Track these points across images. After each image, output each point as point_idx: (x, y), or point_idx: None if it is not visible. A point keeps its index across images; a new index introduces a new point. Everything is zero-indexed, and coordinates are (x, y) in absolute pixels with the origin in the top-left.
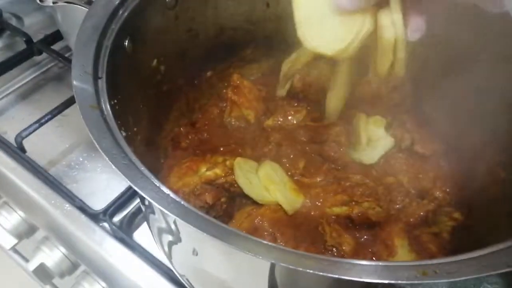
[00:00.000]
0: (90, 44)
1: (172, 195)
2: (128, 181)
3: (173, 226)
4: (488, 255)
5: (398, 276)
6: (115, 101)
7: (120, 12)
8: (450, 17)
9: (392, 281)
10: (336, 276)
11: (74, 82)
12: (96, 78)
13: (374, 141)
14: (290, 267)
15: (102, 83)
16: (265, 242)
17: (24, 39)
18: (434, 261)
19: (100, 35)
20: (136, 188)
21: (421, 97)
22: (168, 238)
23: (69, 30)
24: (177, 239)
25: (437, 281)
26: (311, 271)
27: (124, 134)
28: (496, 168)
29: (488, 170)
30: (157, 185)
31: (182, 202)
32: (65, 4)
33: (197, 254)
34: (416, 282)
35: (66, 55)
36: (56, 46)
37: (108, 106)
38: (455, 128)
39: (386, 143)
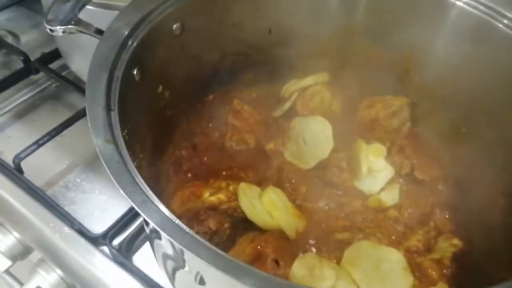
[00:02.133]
0: (101, 76)
1: (180, 224)
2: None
3: (179, 255)
4: None
5: None
6: (126, 131)
7: (130, 42)
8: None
9: None
10: None
11: (90, 118)
12: (109, 111)
13: (375, 171)
14: None
15: (114, 115)
16: (276, 278)
17: (22, 58)
18: None
19: (111, 66)
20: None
21: (419, 122)
22: (172, 264)
23: (68, 48)
24: (182, 266)
25: None
26: None
27: (135, 164)
28: (494, 195)
29: (486, 197)
30: (167, 214)
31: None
32: (74, 33)
33: (201, 283)
34: None
35: (64, 73)
36: (54, 65)
37: (121, 139)
38: (453, 154)
39: (387, 174)
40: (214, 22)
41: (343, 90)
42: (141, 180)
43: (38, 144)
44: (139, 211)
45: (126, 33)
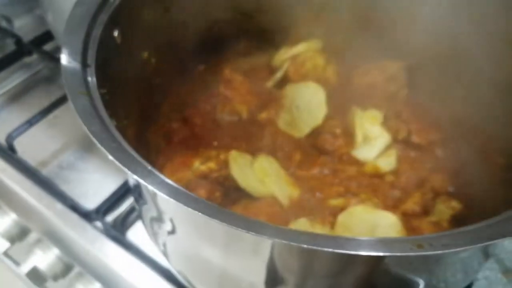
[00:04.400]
0: (78, 33)
1: (164, 178)
2: (118, 163)
3: (167, 214)
4: (483, 227)
5: (393, 249)
6: (105, 90)
7: (107, 4)
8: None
9: (387, 254)
10: (331, 250)
11: (63, 71)
12: (85, 66)
13: (371, 139)
14: (291, 243)
15: (91, 72)
16: (263, 222)
17: (14, 40)
18: (430, 235)
19: (89, 24)
20: (125, 170)
21: (417, 86)
22: (162, 229)
23: (60, 30)
24: (172, 229)
25: (432, 253)
26: (305, 246)
27: (115, 123)
28: (493, 154)
29: (485, 157)
30: (149, 168)
31: (175, 185)
32: None
33: (193, 244)
34: (411, 254)
35: (57, 55)
36: (47, 47)
37: (97, 94)
38: (451, 116)
39: (383, 141)
40: None
41: (338, 57)
42: (115, 130)
43: (30, 123)
44: (112, 158)
45: None
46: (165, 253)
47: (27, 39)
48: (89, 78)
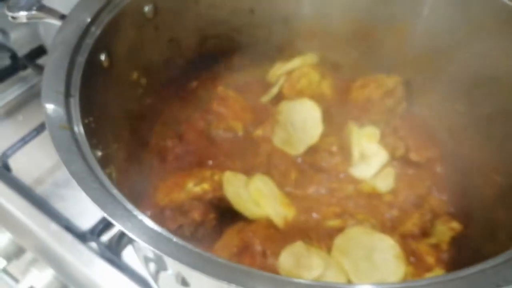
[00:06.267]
0: (62, 61)
1: (146, 220)
2: (97, 206)
3: (159, 258)
4: (476, 274)
5: None
6: (91, 118)
7: (95, 26)
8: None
9: None
10: None
11: (44, 103)
12: (68, 96)
13: (368, 157)
14: None
15: (74, 102)
16: (257, 272)
17: (9, 54)
18: (419, 283)
19: (73, 50)
20: (105, 215)
21: (414, 101)
22: (154, 267)
23: None
24: (164, 268)
25: None
26: None
27: (100, 153)
28: (492, 173)
29: (484, 176)
30: (130, 209)
31: (157, 228)
32: (38, 20)
33: (185, 284)
34: None
35: None
36: (42, 61)
37: (81, 126)
38: (450, 133)
39: (380, 159)
40: (190, 2)
41: (333, 71)
42: (97, 166)
43: (25, 140)
44: (91, 200)
45: (90, 16)
46: (156, 283)
47: (22, 53)
48: (73, 109)
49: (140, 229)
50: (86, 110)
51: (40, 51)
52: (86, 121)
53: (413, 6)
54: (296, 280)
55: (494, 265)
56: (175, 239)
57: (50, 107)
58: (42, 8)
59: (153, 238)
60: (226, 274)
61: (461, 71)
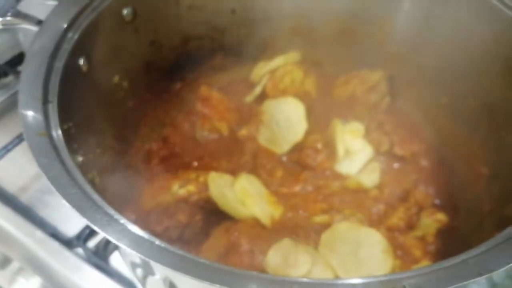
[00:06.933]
0: (39, 67)
1: (127, 224)
2: (77, 211)
3: (145, 263)
4: (459, 264)
5: None
6: (70, 124)
7: (72, 31)
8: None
9: None
10: None
11: (21, 110)
12: (46, 102)
13: (353, 152)
14: None
15: (53, 107)
16: (243, 272)
17: None
18: (404, 274)
19: (51, 56)
20: (85, 219)
21: (398, 96)
22: (141, 272)
23: None
24: (151, 273)
25: None
26: None
27: (81, 158)
28: (477, 165)
29: (469, 168)
30: (111, 214)
31: (139, 232)
32: (14, 26)
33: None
34: None
35: None
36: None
37: (60, 132)
38: (434, 126)
39: (365, 154)
40: (170, 4)
41: (316, 68)
42: (77, 172)
43: (7, 149)
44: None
45: (68, 21)
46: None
47: (3, 60)
48: (51, 115)
49: (121, 233)
50: (65, 115)
51: (21, 58)
52: (66, 126)
53: (394, 1)
54: (280, 278)
55: (477, 254)
56: (157, 241)
57: (27, 113)
58: (17, 14)
59: (134, 241)
60: (210, 274)
61: (444, 65)
